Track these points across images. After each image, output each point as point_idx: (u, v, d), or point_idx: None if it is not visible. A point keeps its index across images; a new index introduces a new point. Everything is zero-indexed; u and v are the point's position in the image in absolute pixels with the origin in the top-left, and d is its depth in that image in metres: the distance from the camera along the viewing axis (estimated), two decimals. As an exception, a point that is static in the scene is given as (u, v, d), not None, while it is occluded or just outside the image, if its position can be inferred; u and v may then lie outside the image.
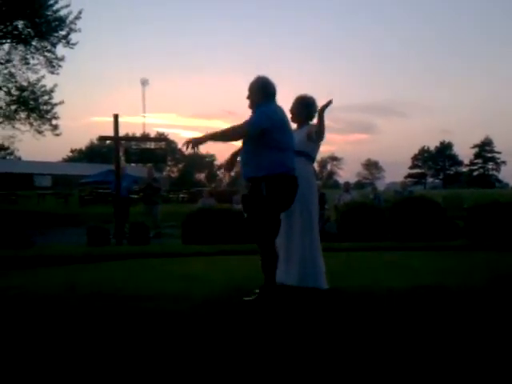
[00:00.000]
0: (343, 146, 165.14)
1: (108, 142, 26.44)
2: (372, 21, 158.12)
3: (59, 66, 30.85)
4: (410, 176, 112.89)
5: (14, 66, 31.25)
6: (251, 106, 5.26)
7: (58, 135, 32.83)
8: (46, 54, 30.54)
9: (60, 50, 30.90)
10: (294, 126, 5.75)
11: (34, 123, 31.88)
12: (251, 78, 5.26)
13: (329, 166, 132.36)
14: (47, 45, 30.29)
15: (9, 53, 31.17)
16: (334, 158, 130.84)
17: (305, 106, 5.83)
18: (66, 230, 20.51)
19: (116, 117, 13.08)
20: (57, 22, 29.53)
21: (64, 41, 30.10)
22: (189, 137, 4.97)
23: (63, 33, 29.90)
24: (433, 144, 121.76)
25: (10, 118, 31.75)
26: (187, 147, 4.89)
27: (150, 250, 10.35)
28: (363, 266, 7.89)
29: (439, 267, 7.68)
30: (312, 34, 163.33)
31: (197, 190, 37.41)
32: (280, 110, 5.24)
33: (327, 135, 5.71)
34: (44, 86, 31.55)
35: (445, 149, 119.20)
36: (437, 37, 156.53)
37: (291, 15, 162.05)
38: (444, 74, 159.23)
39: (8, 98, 31.51)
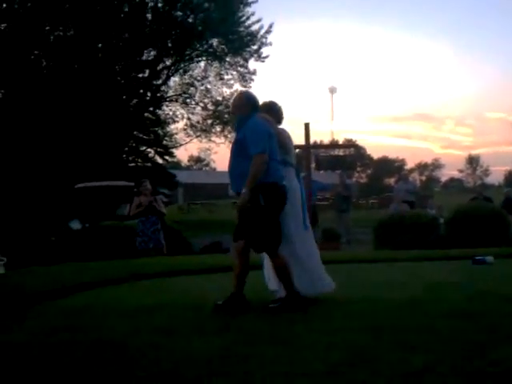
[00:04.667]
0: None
1: (297, 150, 27.00)
2: None
3: (251, 79, 32.11)
4: None
5: (209, 82, 33.12)
6: (237, 121, 5.53)
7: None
8: (239, 68, 31.93)
9: (251, 63, 32.14)
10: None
11: (229, 135, 33.49)
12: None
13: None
14: (240, 60, 31.65)
15: (205, 70, 33.10)
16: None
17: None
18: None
19: (307, 126, 13.30)
20: (249, 37, 30.71)
21: (256, 55, 31.23)
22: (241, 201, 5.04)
23: (255, 47, 31.05)
24: None
25: (206, 131, 33.65)
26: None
27: (340, 256, 10.32)
28: None
29: None
30: None
31: (387, 196, 36.81)
32: (265, 120, 5.34)
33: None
34: (237, 100, 32.96)
35: None
36: None
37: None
38: None
39: (204, 113, 33.39)
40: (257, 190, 5.03)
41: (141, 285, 7.14)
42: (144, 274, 7.73)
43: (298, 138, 13.63)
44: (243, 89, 5.51)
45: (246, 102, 5.40)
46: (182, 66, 33.03)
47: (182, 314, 4.98)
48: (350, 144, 53.62)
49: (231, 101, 5.58)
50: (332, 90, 78.09)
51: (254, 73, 32.03)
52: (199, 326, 4.55)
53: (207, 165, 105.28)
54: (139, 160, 32.91)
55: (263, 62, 31.48)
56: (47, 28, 29.43)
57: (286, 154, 5.58)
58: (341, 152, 35.54)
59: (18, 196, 24.90)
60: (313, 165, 15.30)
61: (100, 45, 28.34)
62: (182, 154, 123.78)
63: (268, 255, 5.30)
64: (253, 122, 5.23)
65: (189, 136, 33.94)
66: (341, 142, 62.04)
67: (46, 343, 4.11)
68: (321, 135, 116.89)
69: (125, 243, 12.22)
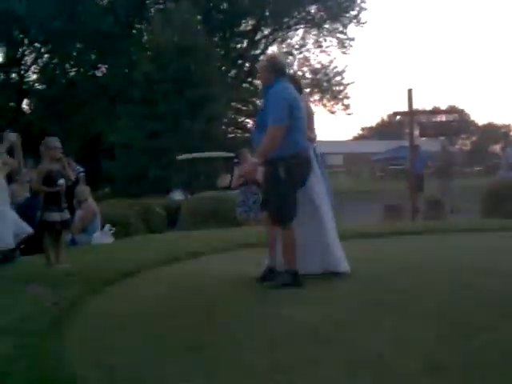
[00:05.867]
0: None
1: (397, 118, 26.48)
2: None
3: (350, 46, 31.69)
4: None
5: (307, 50, 32.91)
6: (263, 85, 5.34)
7: (349, 114, 33.90)
8: (337, 35, 31.55)
9: (350, 29, 31.74)
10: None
11: (327, 104, 33.19)
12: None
13: None
14: (339, 26, 31.26)
15: (303, 38, 32.93)
16: None
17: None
18: (359, 206, 20.88)
19: (410, 91, 12.88)
20: (347, 3, 30.23)
21: (355, 21, 30.76)
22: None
23: (354, 13, 30.57)
24: None
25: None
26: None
27: (445, 225, 10.03)
28: None
29: None
30: None
31: (494, 163, 35.40)
32: (290, 88, 5.01)
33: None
34: (336, 67, 32.63)
35: None
36: None
37: None
38: None
39: (303, 82, 33.16)
40: (277, 161, 4.84)
41: (242, 254, 7.19)
42: (244, 243, 7.77)
43: (400, 105, 13.24)
44: (270, 53, 5.15)
45: (269, 69, 5.11)
46: (280, 34, 32.97)
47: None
48: (453, 110, 51.89)
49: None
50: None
51: (352, 39, 31.66)
52: (298, 295, 4.53)
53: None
54: (238, 131, 33.22)
55: (362, 27, 31.08)
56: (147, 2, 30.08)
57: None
58: (444, 118, 34.50)
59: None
60: (416, 131, 14.88)
61: (199, 17, 28.59)
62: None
63: (280, 227, 4.99)
64: (274, 90, 4.98)
65: (287, 106, 33.91)
66: (444, 108, 60.36)
67: (152, 311, 4.26)
68: (424, 101, 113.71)
69: (225, 213, 12.37)
